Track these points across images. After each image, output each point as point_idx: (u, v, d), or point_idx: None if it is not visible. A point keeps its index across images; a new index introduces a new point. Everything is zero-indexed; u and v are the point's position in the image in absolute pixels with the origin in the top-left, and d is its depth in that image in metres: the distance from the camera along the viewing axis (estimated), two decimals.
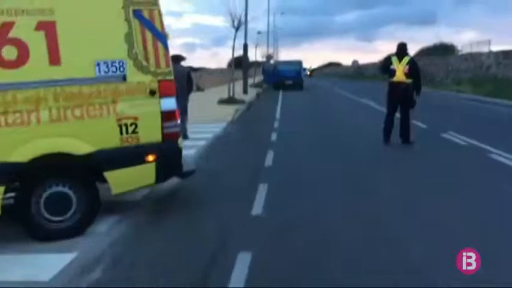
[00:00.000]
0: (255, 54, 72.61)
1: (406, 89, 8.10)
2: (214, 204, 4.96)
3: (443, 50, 33.78)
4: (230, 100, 16.72)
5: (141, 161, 4.25)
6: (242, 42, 23.48)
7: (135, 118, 4.19)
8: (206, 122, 12.28)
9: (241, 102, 16.79)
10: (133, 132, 4.19)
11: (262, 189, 5.46)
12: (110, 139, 4.10)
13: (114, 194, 4.19)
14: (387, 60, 8.82)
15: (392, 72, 8.20)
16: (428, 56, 32.98)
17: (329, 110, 16.40)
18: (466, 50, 28.74)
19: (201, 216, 4.59)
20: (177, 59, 10.65)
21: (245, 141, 9.45)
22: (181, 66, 10.54)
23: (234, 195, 5.29)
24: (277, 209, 4.77)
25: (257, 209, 4.71)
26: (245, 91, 22.92)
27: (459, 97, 21.07)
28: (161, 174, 4.39)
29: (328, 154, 7.84)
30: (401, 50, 8.25)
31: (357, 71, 58.77)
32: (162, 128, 4.33)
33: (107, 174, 4.10)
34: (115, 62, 4.08)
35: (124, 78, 4.11)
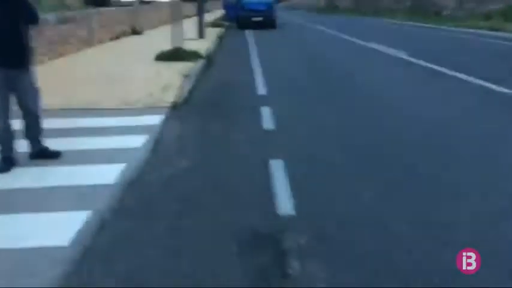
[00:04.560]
0: None
1: None
2: None
3: None
4: (175, 54, 10.09)
5: None
6: None
7: None
8: (123, 112, 5.94)
9: (194, 56, 10.26)
10: None
11: None
12: None
13: None
14: None
15: None
16: None
17: (341, 70, 10.26)
18: None
19: None
20: None
21: (202, 204, 3.33)
22: None
23: None
24: None
25: None
26: (201, 34, 16.19)
27: None
28: None
29: None
30: None
31: (331, 4, 51.74)
32: None
33: None
34: None
35: None
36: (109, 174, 3.77)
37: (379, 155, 4.35)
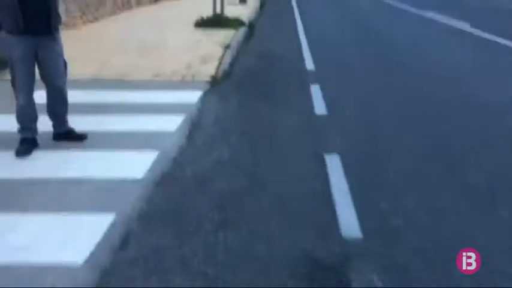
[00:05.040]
0: None
1: None
2: None
3: None
4: (215, 20, 9.42)
5: None
6: None
7: None
8: (158, 85, 5.37)
9: (236, 23, 9.57)
10: None
11: None
12: None
13: None
14: None
15: None
16: None
17: (396, 44, 9.32)
18: None
19: None
20: None
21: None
22: None
23: None
24: None
25: None
26: None
27: None
28: None
29: None
30: None
31: None
32: None
33: None
34: None
35: None
36: (138, 165, 3.24)
37: (453, 152, 3.63)
